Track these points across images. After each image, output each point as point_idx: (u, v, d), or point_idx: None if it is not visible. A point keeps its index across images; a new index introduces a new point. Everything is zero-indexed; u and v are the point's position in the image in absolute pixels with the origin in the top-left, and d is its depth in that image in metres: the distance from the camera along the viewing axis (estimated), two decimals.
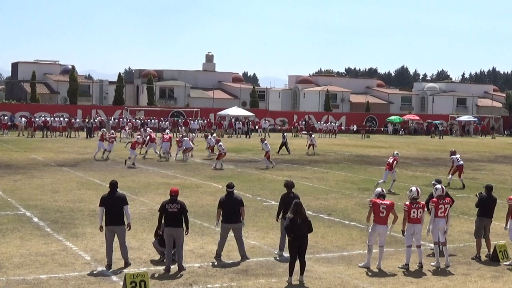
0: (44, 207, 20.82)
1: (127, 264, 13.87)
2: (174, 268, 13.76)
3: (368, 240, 14.57)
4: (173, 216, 13.85)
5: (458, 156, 29.78)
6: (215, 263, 14.44)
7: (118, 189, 14.41)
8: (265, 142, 35.48)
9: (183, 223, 13.94)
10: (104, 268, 13.75)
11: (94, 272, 13.52)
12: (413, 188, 14.79)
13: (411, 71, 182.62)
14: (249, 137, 62.96)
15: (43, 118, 59.81)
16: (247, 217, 19.46)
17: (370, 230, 14.56)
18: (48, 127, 57.49)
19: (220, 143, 34.62)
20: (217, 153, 34.87)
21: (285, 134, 46.63)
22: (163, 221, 14.01)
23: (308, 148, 44.66)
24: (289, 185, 15.62)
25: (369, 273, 14.03)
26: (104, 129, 47.25)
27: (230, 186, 15.17)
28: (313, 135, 46.70)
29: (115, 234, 13.96)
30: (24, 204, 21.14)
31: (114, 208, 13.94)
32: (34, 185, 25.80)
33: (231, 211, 14.83)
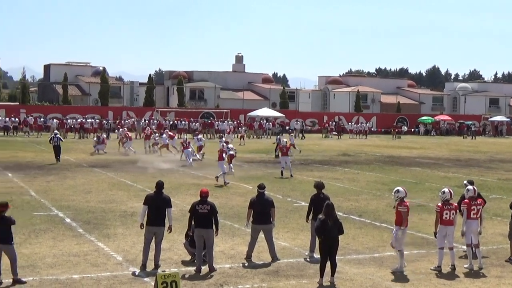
0: (76, 207, 21.03)
1: (157, 267, 13.89)
2: (205, 269, 13.80)
3: (398, 244, 14.36)
4: (203, 217, 13.87)
5: None
6: (246, 264, 14.45)
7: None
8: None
9: (213, 224, 13.96)
10: (136, 269, 13.83)
11: (126, 272, 13.61)
12: (446, 190, 14.62)
13: (443, 71, 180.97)
14: (304, 138, 62.95)
15: (80, 120, 60.48)
16: (277, 218, 19.38)
17: (399, 233, 14.38)
18: (84, 129, 58.09)
19: (230, 145, 32.64)
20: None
21: (279, 137, 44.67)
22: (193, 222, 14.06)
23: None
24: (319, 186, 15.56)
25: (401, 275, 13.90)
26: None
27: (261, 187, 15.16)
28: (292, 134, 47.79)
29: (154, 235, 13.99)
30: (56, 205, 21.36)
31: (157, 208, 13.96)
32: (66, 186, 26.09)
33: (262, 212, 14.82)
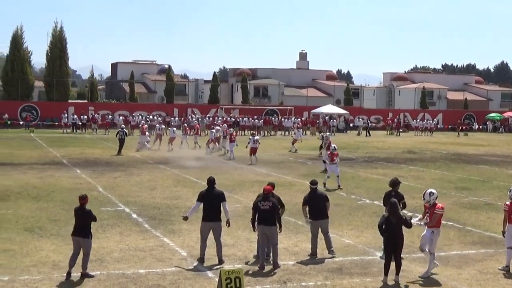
0: (142, 203, 21.41)
1: (221, 262, 14.03)
2: (268, 265, 13.87)
3: (432, 247, 13.90)
4: (265, 214, 13.90)
5: None
6: (309, 261, 14.40)
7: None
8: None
9: (276, 221, 13.96)
10: (200, 264, 14.00)
11: (190, 267, 13.80)
12: None
13: None
14: (369, 135, 62.41)
15: (145, 117, 61.07)
16: (341, 216, 19.51)
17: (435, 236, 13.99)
18: (150, 126, 58.21)
19: (256, 137, 35.81)
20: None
21: (323, 135, 43.36)
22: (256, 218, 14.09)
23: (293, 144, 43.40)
24: (392, 183, 15.47)
25: (466, 275, 13.72)
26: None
27: (313, 183, 15.20)
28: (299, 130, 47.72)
29: (210, 230, 14.16)
30: (123, 201, 21.80)
31: (211, 204, 14.14)
32: (132, 182, 26.56)
33: (317, 208, 14.85)
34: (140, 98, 78.72)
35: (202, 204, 14.31)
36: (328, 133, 46.06)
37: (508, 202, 14.15)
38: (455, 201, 23.06)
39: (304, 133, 60.24)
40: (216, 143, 41.40)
